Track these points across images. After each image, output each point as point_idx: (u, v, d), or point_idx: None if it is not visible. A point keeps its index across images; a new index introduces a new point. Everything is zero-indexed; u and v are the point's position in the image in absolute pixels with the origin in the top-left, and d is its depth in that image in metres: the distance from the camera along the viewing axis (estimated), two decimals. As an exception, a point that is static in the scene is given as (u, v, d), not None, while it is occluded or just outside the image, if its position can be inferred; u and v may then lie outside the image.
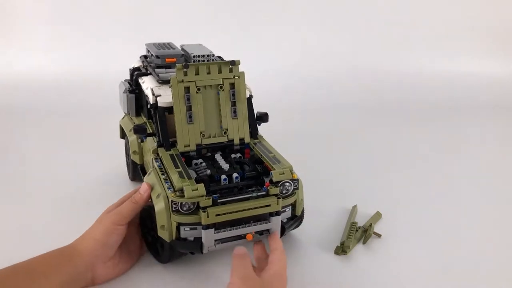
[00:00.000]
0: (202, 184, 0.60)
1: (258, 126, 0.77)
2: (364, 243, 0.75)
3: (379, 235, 0.77)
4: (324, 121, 1.30)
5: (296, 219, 0.70)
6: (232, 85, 0.70)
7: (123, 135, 0.91)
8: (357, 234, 0.76)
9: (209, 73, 0.69)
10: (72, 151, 1.06)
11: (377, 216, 0.82)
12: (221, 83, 0.70)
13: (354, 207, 0.84)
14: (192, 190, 0.58)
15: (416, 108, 1.41)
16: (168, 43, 0.87)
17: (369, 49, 1.66)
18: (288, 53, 1.62)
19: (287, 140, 1.13)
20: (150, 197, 0.65)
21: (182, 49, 0.85)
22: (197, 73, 0.68)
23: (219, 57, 0.87)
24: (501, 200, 0.90)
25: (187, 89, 0.68)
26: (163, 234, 0.62)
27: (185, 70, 0.67)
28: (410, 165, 1.04)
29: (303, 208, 0.72)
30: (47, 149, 1.08)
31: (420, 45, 1.68)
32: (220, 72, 0.69)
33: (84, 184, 0.91)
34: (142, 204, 0.64)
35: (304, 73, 1.57)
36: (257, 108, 0.79)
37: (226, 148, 0.72)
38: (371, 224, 0.77)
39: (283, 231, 0.66)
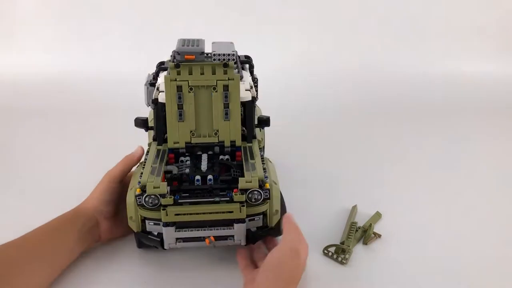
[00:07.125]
0: (165, 183, 0.60)
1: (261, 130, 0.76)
2: (364, 243, 0.75)
3: (379, 235, 0.76)
4: (324, 121, 1.29)
5: (270, 230, 0.66)
6: (226, 87, 0.69)
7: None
8: (357, 234, 0.75)
9: (202, 73, 0.69)
10: (72, 150, 1.07)
11: (377, 216, 0.81)
12: (215, 84, 0.69)
13: (354, 207, 0.84)
14: (154, 188, 0.60)
15: (417, 109, 1.39)
16: (198, 40, 0.86)
17: (368, 50, 1.65)
18: (290, 53, 1.62)
19: (287, 140, 1.13)
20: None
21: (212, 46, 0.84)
22: (190, 73, 0.68)
23: (246, 56, 0.85)
24: (502, 200, 0.89)
25: (180, 88, 0.68)
26: (132, 225, 0.64)
27: (177, 69, 0.67)
28: (410, 165, 1.02)
29: (281, 219, 0.66)
30: (46, 148, 1.08)
31: (420, 45, 1.67)
32: (214, 73, 0.69)
33: (84, 183, 0.91)
34: (132, 164, 0.72)
35: (306, 73, 1.56)
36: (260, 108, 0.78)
37: (218, 149, 0.71)
38: (371, 224, 0.77)
39: (253, 239, 0.65)
